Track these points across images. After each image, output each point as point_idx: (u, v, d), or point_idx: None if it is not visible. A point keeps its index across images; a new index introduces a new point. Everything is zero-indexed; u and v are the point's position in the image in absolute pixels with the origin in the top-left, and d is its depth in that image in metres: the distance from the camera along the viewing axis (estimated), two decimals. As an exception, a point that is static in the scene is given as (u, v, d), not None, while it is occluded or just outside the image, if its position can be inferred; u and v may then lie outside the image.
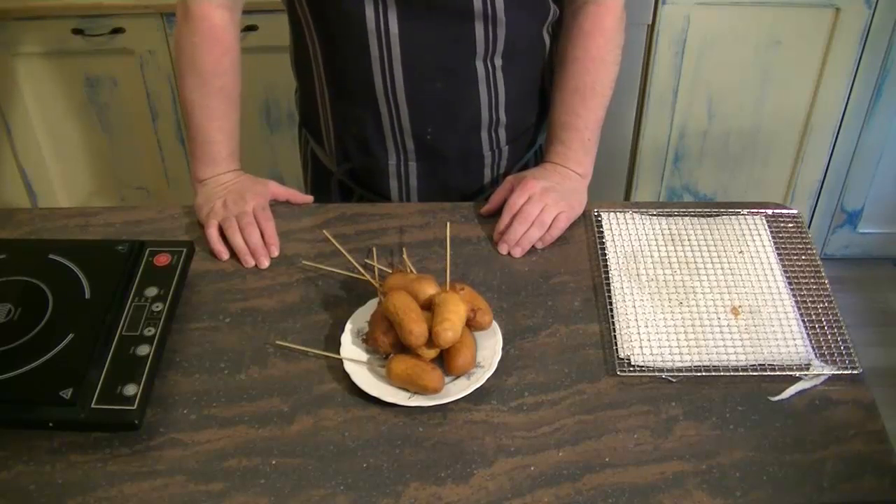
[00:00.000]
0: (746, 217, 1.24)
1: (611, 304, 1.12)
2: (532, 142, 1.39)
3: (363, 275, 1.13)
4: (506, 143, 1.33)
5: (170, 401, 1.01)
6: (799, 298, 1.13)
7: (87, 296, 1.08)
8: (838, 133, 2.27)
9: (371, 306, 1.09)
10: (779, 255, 1.19)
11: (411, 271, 1.14)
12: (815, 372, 1.03)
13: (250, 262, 1.18)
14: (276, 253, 1.20)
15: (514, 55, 1.25)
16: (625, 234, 1.22)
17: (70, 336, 1.02)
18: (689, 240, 1.21)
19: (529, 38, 1.27)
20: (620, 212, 1.26)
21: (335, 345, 1.05)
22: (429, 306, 1.03)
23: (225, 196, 1.24)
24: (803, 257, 1.19)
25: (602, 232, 1.22)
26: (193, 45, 1.23)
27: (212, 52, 1.24)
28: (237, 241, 1.19)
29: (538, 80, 1.34)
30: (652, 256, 1.18)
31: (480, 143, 1.31)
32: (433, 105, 1.25)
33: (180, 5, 1.23)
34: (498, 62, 1.24)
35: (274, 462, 0.94)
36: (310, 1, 1.21)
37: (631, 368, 1.04)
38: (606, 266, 1.17)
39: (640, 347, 1.06)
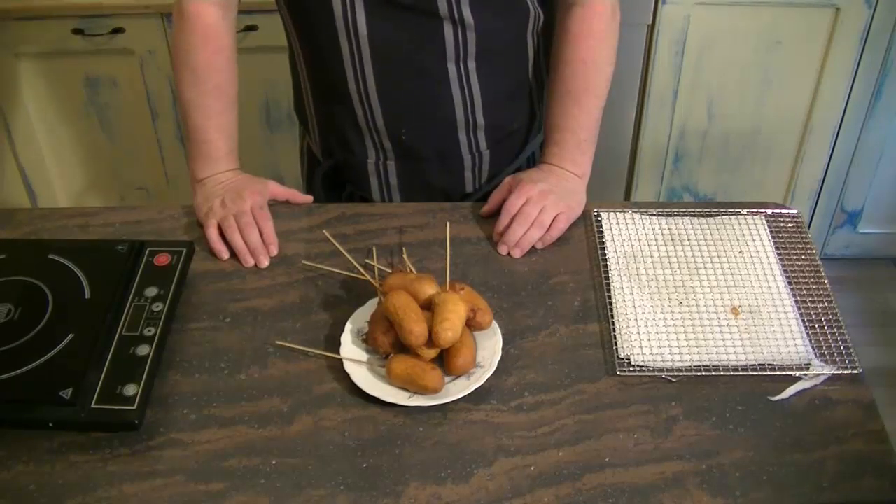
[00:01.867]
0: (746, 217, 1.24)
1: (611, 304, 1.12)
2: (522, 147, 1.38)
3: (363, 275, 1.13)
4: (486, 147, 1.32)
5: (170, 401, 1.01)
6: (799, 298, 1.13)
7: (87, 296, 1.08)
8: (838, 133, 2.27)
9: (371, 306, 1.09)
10: (779, 255, 1.19)
11: (411, 271, 1.14)
12: (814, 372, 1.03)
13: (250, 262, 1.18)
14: (274, 252, 1.20)
15: (490, 58, 1.24)
16: (625, 234, 1.22)
17: (70, 336, 1.02)
18: (689, 240, 1.21)
19: (507, 41, 1.26)
20: (620, 212, 1.26)
21: (335, 345, 1.05)
22: (429, 306, 1.03)
23: (223, 195, 1.24)
24: (803, 257, 1.19)
25: (602, 232, 1.22)
26: (187, 43, 1.24)
27: (205, 49, 1.24)
28: (236, 240, 1.19)
29: (524, 84, 1.32)
30: (652, 256, 1.18)
31: (458, 144, 1.30)
32: (406, 105, 1.25)
33: (175, 5, 1.24)
34: (472, 65, 1.23)
35: (274, 462, 0.94)
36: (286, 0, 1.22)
37: (631, 368, 1.04)
38: (606, 266, 1.17)
39: (640, 347, 1.06)
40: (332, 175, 1.39)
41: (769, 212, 1.26)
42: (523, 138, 1.37)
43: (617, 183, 2.38)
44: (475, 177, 1.35)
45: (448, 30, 1.18)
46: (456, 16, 1.17)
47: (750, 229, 1.22)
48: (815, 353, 1.05)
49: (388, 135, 1.28)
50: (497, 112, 1.30)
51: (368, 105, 1.24)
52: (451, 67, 1.22)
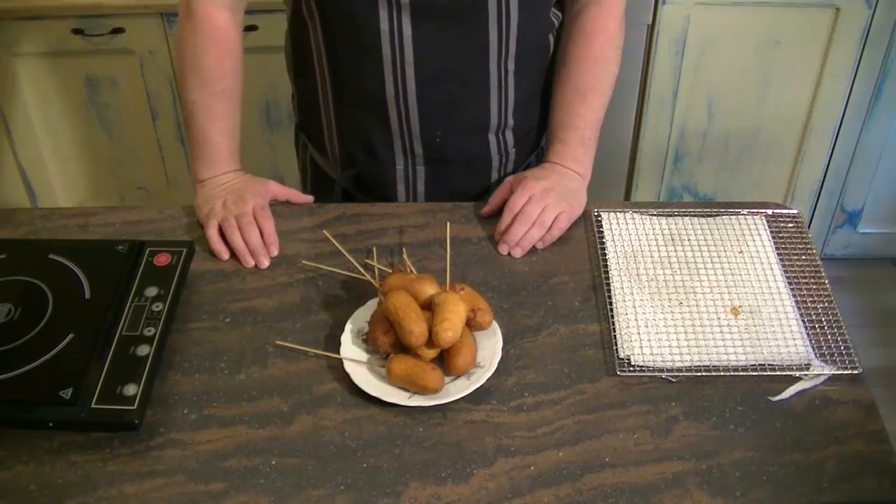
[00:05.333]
0: (746, 217, 1.24)
1: (611, 303, 1.12)
2: (535, 144, 1.39)
3: (363, 275, 1.13)
4: (513, 146, 1.33)
5: (170, 401, 1.01)
6: (799, 298, 1.13)
7: (87, 296, 1.08)
8: (838, 133, 2.27)
9: (371, 306, 1.09)
10: (779, 255, 1.19)
11: (411, 271, 1.14)
12: (815, 372, 1.03)
13: (250, 262, 1.18)
14: (275, 252, 1.20)
15: (525, 58, 1.25)
16: (625, 234, 1.22)
17: (70, 336, 1.02)
18: (689, 240, 1.21)
19: (539, 41, 1.27)
20: (620, 212, 1.26)
21: (335, 345, 1.05)
22: (429, 306, 1.03)
23: (225, 196, 1.24)
24: (803, 257, 1.19)
25: (602, 232, 1.22)
26: (195, 45, 1.23)
27: (214, 53, 1.24)
28: (236, 241, 1.19)
29: (545, 83, 1.34)
30: (652, 256, 1.18)
31: (488, 145, 1.31)
32: (443, 107, 1.25)
33: (183, 5, 1.23)
34: (511, 66, 1.23)
35: (274, 462, 0.94)
36: (319, 4, 1.21)
37: (631, 368, 1.04)
38: (606, 266, 1.17)
39: (640, 347, 1.06)
40: (348, 189, 1.39)
41: (769, 212, 1.26)
42: (537, 135, 1.38)
43: (617, 183, 2.38)
44: (500, 175, 1.35)
45: (493, 30, 1.18)
46: (504, 15, 1.17)
47: (750, 229, 1.22)
48: (816, 354, 1.05)
49: (422, 139, 1.28)
50: (524, 112, 1.31)
51: (405, 109, 1.24)
52: (493, 68, 1.22)
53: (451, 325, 0.99)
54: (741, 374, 1.03)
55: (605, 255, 1.19)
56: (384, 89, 1.23)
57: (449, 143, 1.28)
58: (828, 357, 1.05)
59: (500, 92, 1.25)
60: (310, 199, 1.31)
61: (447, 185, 1.33)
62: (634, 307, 1.11)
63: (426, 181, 1.33)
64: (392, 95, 1.23)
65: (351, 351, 1.05)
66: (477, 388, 1.00)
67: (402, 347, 1.01)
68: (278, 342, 1.07)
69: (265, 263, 1.18)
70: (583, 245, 1.22)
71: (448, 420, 0.98)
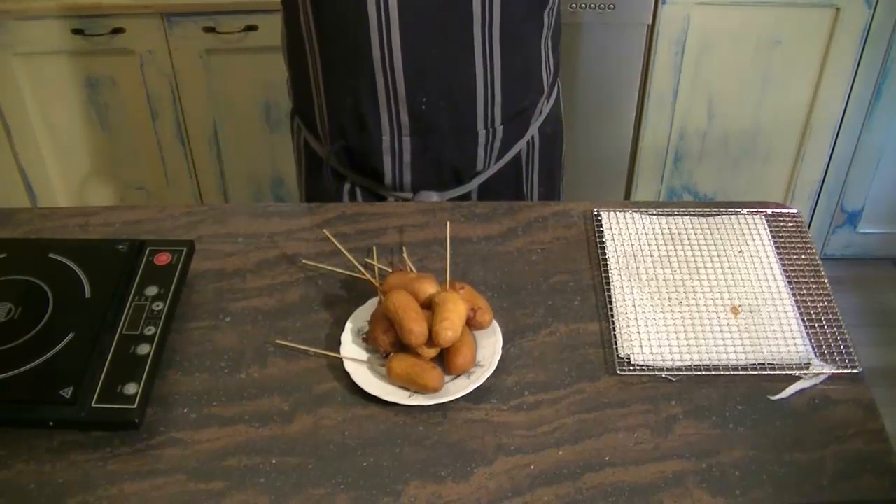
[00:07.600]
0: (746, 216, 1.25)
1: (611, 303, 1.12)
2: (524, 129, 1.38)
3: (363, 274, 1.13)
4: (500, 123, 1.33)
5: (170, 400, 1.01)
6: (799, 298, 1.13)
7: (88, 295, 1.08)
8: (838, 133, 2.27)
9: (371, 305, 1.09)
10: (779, 254, 1.19)
11: (411, 270, 1.14)
12: (814, 371, 1.03)
13: None
14: None
15: (512, 28, 1.24)
16: (625, 233, 1.22)
17: (70, 335, 1.02)
18: (689, 239, 1.21)
19: (527, 14, 1.27)
20: (620, 211, 1.26)
21: (335, 344, 1.05)
22: (429, 305, 1.03)
23: None
24: (803, 257, 1.19)
25: (602, 231, 1.22)
26: None
27: None
28: None
29: (538, 61, 1.33)
30: (652, 256, 1.18)
31: (475, 118, 1.30)
32: (428, 73, 1.25)
33: None
34: (496, 33, 1.23)
35: (274, 461, 0.94)
36: None
37: (631, 367, 1.04)
38: (606, 265, 1.17)
39: (640, 346, 1.06)
40: (336, 168, 1.39)
41: (769, 211, 1.26)
42: (529, 118, 1.38)
43: (617, 183, 2.38)
44: (486, 154, 1.35)
45: None
46: None
47: (750, 229, 1.22)
48: (815, 353, 1.05)
49: (408, 105, 1.27)
50: (513, 86, 1.31)
51: (391, 72, 1.24)
52: (477, 33, 1.22)
53: (451, 325, 0.99)
54: (741, 373, 1.03)
55: (605, 254, 1.19)
56: (370, 54, 1.23)
57: (434, 110, 1.28)
58: (827, 356, 1.05)
59: (485, 59, 1.25)
60: None
61: (434, 157, 1.33)
62: (634, 306, 1.11)
63: (412, 152, 1.33)
64: (378, 59, 1.23)
65: (351, 350, 1.05)
66: (477, 388, 1.00)
67: (402, 346, 1.01)
68: (278, 341, 1.07)
69: None
70: (583, 245, 1.22)
71: (448, 419, 0.98)
